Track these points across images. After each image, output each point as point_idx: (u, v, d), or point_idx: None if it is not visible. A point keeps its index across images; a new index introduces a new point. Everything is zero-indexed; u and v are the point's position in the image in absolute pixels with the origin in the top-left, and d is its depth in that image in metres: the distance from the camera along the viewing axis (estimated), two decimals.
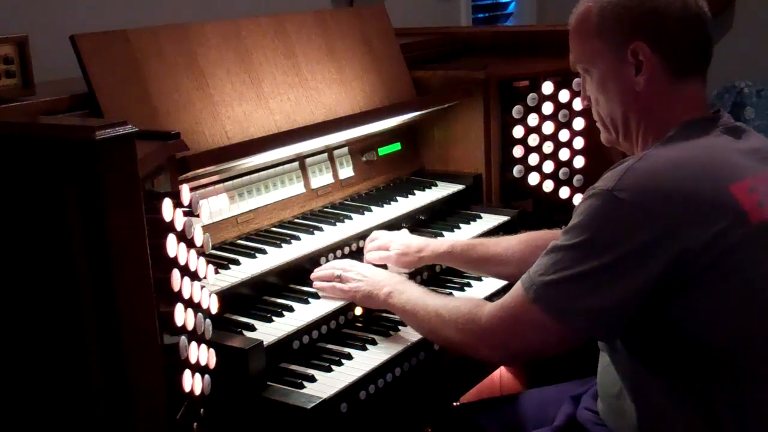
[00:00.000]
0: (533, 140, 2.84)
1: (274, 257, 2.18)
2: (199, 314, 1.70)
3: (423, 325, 1.98)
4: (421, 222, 2.66)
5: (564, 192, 2.90)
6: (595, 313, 1.67)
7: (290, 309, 2.06)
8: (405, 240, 2.34)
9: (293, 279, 2.20)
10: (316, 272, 2.20)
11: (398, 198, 2.65)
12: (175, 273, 1.62)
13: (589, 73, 1.88)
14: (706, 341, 1.68)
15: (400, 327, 2.13)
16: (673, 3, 1.78)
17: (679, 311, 1.67)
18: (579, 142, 2.89)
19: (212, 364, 1.74)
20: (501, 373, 2.85)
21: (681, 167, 1.69)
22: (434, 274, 2.44)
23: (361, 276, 2.14)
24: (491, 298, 2.34)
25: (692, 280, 1.64)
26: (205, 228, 1.92)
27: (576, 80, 2.82)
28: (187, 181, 1.97)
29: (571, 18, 1.90)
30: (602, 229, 1.66)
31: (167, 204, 1.62)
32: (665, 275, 1.64)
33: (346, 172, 2.63)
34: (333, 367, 1.95)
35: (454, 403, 2.48)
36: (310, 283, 2.19)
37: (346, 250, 2.36)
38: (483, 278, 2.42)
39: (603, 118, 1.91)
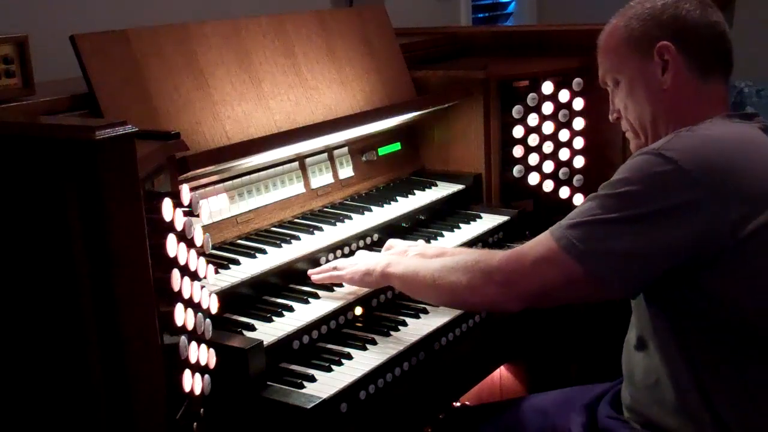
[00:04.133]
0: (533, 140, 2.84)
1: (274, 257, 2.18)
2: (199, 314, 1.70)
3: (424, 282, 1.96)
4: (421, 222, 2.66)
5: (564, 192, 2.90)
6: (614, 259, 1.68)
7: (290, 309, 2.06)
8: (420, 249, 2.29)
9: (293, 279, 2.20)
10: (313, 270, 2.20)
11: (398, 198, 2.65)
12: (175, 273, 1.62)
13: (618, 82, 1.94)
14: (748, 317, 1.70)
15: (400, 327, 2.13)
16: (693, 11, 1.86)
17: (721, 284, 1.69)
18: (579, 142, 2.89)
19: (212, 364, 1.74)
20: (501, 374, 2.86)
21: (728, 142, 1.74)
22: None
23: (358, 260, 2.16)
24: None
25: (729, 252, 1.66)
26: (205, 228, 1.92)
27: (576, 80, 2.83)
28: (187, 181, 1.97)
29: (600, 38, 1.98)
30: (643, 183, 1.69)
31: (167, 204, 1.62)
32: (701, 243, 1.66)
33: (346, 172, 2.63)
34: (333, 367, 1.95)
35: (455, 403, 2.48)
36: (310, 283, 2.19)
37: (346, 250, 2.36)
38: None
39: (632, 124, 1.94)
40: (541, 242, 1.77)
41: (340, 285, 2.19)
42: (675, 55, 1.85)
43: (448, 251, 2.28)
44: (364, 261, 2.14)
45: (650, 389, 1.85)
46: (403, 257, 2.11)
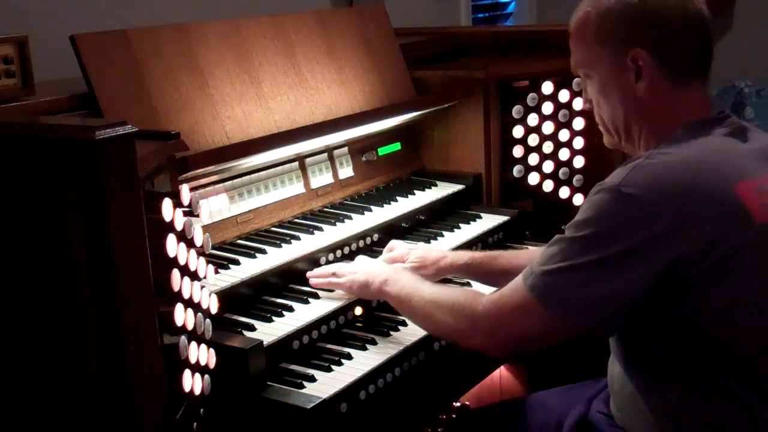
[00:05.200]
0: (533, 140, 2.84)
1: (274, 257, 2.18)
2: (199, 314, 1.70)
3: (417, 312, 1.97)
4: (421, 222, 2.67)
5: (564, 192, 2.90)
6: (590, 305, 1.67)
7: (290, 309, 2.06)
8: (422, 252, 2.30)
9: (293, 279, 2.20)
10: (312, 272, 2.20)
11: (398, 198, 2.65)
12: (175, 273, 1.62)
13: (590, 77, 1.89)
14: (719, 339, 1.69)
15: (400, 327, 2.13)
16: (671, 7, 1.78)
17: (690, 310, 1.67)
18: (579, 142, 2.89)
19: (212, 364, 1.74)
20: (501, 374, 2.86)
21: (687, 166, 1.69)
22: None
23: (357, 268, 2.14)
24: None
25: (699, 279, 1.64)
26: (205, 228, 1.92)
27: (576, 80, 2.82)
28: (187, 181, 1.97)
29: (570, 21, 1.90)
30: (606, 224, 1.66)
31: (167, 204, 1.62)
32: (669, 273, 1.64)
33: (346, 172, 2.63)
34: (333, 367, 1.95)
35: (455, 403, 2.48)
36: (309, 283, 2.19)
37: (346, 250, 2.36)
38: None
39: (604, 121, 1.91)
40: (517, 291, 1.74)
41: None
42: (649, 62, 1.77)
43: (448, 256, 2.28)
44: (363, 271, 2.12)
45: (626, 398, 1.86)
46: (401, 274, 2.07)
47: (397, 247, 2.34)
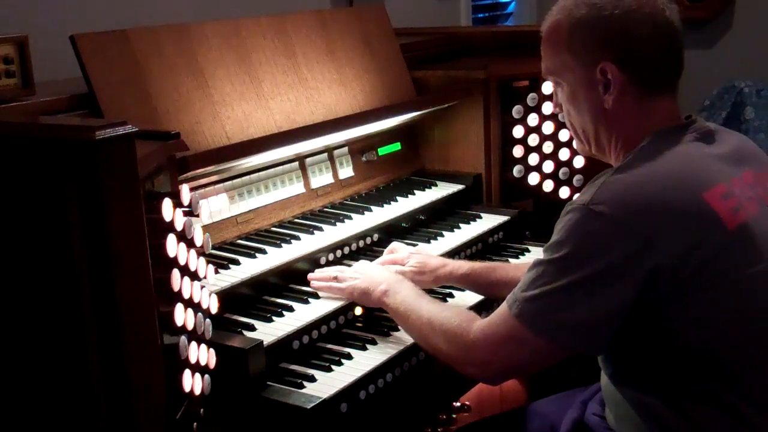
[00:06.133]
0: (533, 140, 2.84)
1: (274, 257, 2.18)
2: (199, 314, 1.70)
3: (413, 330, 1.98)
4: (421, 222, 2.67)
5: (564, 192, 2.90)
6: (576, 328, 1.68)
7: (290, 309, 2.06)
8: (422, 258, 2.29)
9: (293, 279, 2.20)
10: (314, 273, 2.20)
11: (398, 198, 2.65)
12: (175, 273, 1.62)
13: (560, 84, 1.89)
14: (704, 348, 1.68)
15: (400, 327, 2.13)
16: (640, 21, 1.76)
17: (671, 322, 1.68)
18: None
19: (212, 364, 1.74)
20: None
21: (655, 179, 1.69)
22: None
23: (359, 273, 2.14)
24: (482, 306, 2.33)
25: (676, 290, 1.65)
26: (205, 228, 1.92)
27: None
28: (187, 181, 1.97)
29: (542, 26, 1.89)
30: (580, 244, 1.67)
31: (167, 204, 1.62)
32: (647, 287, 1.64)
33: (346, 172, 2.63)
34: (333, 367, 1.95)
35: (455, 403, 2.48)
36: (309, 283, 2.19)
37: (346, 250, 2.36)
38: None
39: (575, 128, 1.92)
40: (504, 320, 1.74)
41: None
42: (618, 75, 1.76)
43: (449, 264, 2.28)
44: (365, 278, 2.11)
45: (618, 405, 1.86)
46: (401, 286, 2.06)
47: (397, 249, 2.33)
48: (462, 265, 2.29)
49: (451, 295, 2.35)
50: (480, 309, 2.25)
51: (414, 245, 2.44)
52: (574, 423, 2.01)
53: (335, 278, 2.15)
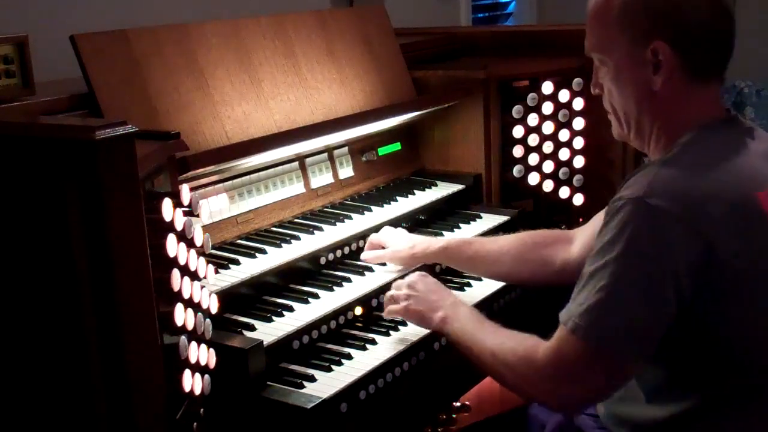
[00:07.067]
0: (533, 140, 2.84)
1: (274, 257, 2.18)
2: (199, 314, 1.70)
3: (477, 361, 1.88)
4: (421, 222, 2.66)
5: (564, 192, 2.90)
6: (639, 331, 1.60)
7: (290, 309, 2.06)
8: (398, 237, 2.33)
9: (293, 279, 2.20)
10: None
11: (398, 198, 2.65)
12: (175, 273, 1.62)
13: (604, 62, 1.80)
14: (741, 349, 1.66)
15: (400, 327, 2.13)
16: (700, 2, 1.69)
17: (716, 319, 1.63)
18: (579, 142, 2.89)
19: (212, 364, 1.74)
20: None
21: (709, 173, 1.64)
22: (434, 274, 2.41)
23: (413, 292, 2.06)
24: (492, 298, 2.34)
25: (727, 287, 1.61)
26: (205, 228, 1.92)
27: (576, 80, 2.83)
28: (187, 181, 1.97)
29: (590, 1, 1.80)
30: (636, 239, 1.59)
31: (167, 204, 1.62)
32: (702, 282, 1.59)
33: (346, 172, 2.63)
34: (333, 367, 1.95)
35: (455, 403, 2.48)
36: (310, 283, 2.19)
37: (346, 250, 2.36)
38: (483, 278, 2.42)
39: (616, 110, 1.83)
40: (564, 340, 1.64)
41: (340, 285, 2.19)
42: (670, 57, 1.68)
43: (423, 242, 2.30)
44: (420, 300, 2.03)
45: (614, 402, 1.84)
46: (458, 310, 1.98)
47: (379, 235, 2.36)
48: (437, 241, 2.34)
49: (469, 284, 2.38)
50: (493, 300, 2.31)
51: None
52: (559, 424, 2.00)
53: (391, 297, 2.09)
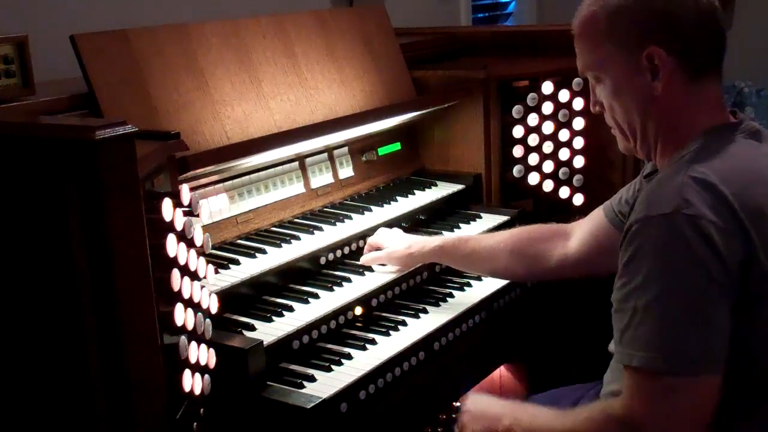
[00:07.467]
0: (533, 140, 2.84)
1: (274, 257, 2.18)
2: (199, 314, 1.70)
3: None
4: (421, 222, 2.67)
5: (564, 192, 2.90)
6: (711, 348, 1.56)
7: (290, 309, 2.06)
8: (394, 238, 2.34)
9: (293, 279, 2.20)
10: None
11: (398, 198, 2.65)
12: (175, 273, 1.62)
13: (601, 80, 1.80)
14: (762, 350, 1.64)
15: (400, 327, 2.13)
16: (683, 1, 1.70)
17: (742, 320, 1.60)
18: (579, 142, 2.89)
19: (212, 364, 1.74)
20: (501, 373, 2.85)
21: (734, 178, 1.62)
22: (434, 274, 2.44)
23: (472, 412, 1.92)
24: (492, 297, 2.34)
25: (758, 291, 1.59)
26: (205, 228, 1.92)
27: (576, 80, 2.83)
28: (187, 181, 1.97)
29: (574, 23, 1.81)
30: (682, 253, 1.56)
31: (167, 204, 1.62)
32: (742, 285, 1.57)
33: (346, 172, 2.63)
34: (333, 366, 1.95)
35: (454, 403, 2.48)
36: (310, 283, 2.20)
37: (346, 250, 2.36)
38: (482, 278, 2.42)
39: (620, 124, 1.82)
40: (634, 379, 1.59)
41: (340, 285, 2.19)
42: (666, 59, 1.68)
43: (419, 241, 2.28)
44: (480, 416, 1.89)
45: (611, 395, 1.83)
46: (516, 408, 1.85)
47: (375, 237, 2.35)
48: (433, 240, 2.34)
49: (469, 284, 2.39)
50: (493, 300, 2.32)
51: None
52: None
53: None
